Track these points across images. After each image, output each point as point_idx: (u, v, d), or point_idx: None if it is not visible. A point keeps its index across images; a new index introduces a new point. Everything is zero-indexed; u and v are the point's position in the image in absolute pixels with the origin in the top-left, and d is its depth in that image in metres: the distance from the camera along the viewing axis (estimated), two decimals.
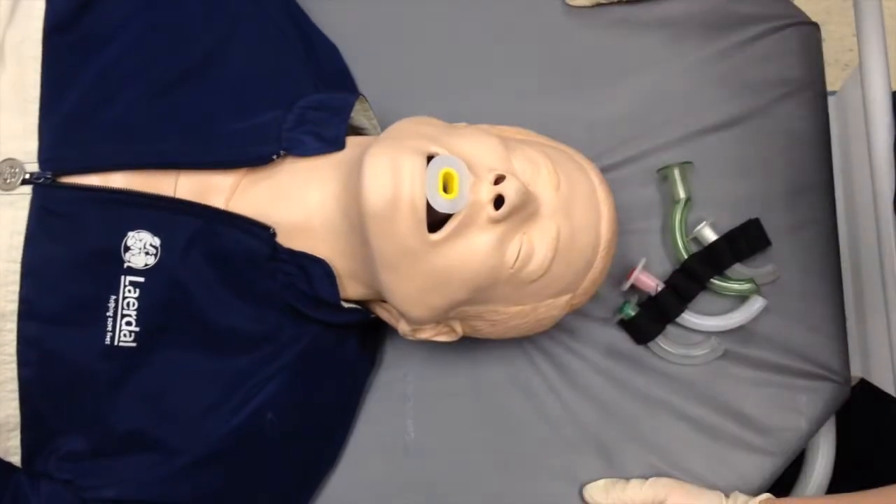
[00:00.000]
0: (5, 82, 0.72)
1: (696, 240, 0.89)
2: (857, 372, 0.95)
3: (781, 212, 0.90)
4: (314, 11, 0.92)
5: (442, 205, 0.66)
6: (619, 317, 0.88)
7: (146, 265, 0.70)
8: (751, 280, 0.87)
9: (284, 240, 0.74)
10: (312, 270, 0.75)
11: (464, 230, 0.68)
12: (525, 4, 0.95)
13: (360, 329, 0.83)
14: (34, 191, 0.69)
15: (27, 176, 0.69)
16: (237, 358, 0.76)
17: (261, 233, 0.74)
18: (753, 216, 0.88)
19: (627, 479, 0.83)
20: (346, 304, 0.78)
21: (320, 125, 0.78)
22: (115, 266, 0.70)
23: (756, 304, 0.86)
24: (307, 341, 0.78)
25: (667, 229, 0.89)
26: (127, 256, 0.70)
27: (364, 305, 0.81)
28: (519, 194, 0.67)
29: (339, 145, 0.76)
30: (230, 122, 0.77)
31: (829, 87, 0.95)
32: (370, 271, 0.72)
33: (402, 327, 0.78)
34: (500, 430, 0.87)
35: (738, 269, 0.88)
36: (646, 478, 0.83)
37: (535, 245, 0.71)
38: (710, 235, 0.88)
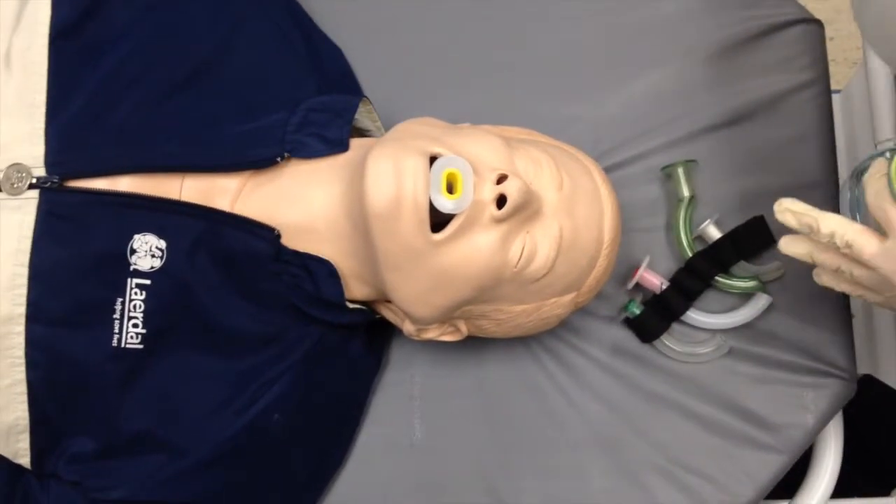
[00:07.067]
0: (11, 88, 0.72)
1: (701, 238, 0.88)
2: (864, 369, 0.95)
3: None
4: (317, 13, 0.93)
5: (445, 205, 0.66)
6: (624, 315, 0.88)
7: (152, 268, 0.71)
8: (756, 277, 0.87)
9: (289, 241, 0.75)
10: (317, 271, 0.75)
11: (467, 230, 0.68)
12: (527, 5, 0.95)
13: (366, 329, 0.83)
14: (41, 195, 0.70)
15: (34, 180, 0.70)
16: (243, 359, 0.76)
17: (265, 234, 0.74)
18: (758, 213, 0.88)
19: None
20: (351, 305, 0.78)
21: (324, 127, 0.78)
22: (121, 269, 0.70)
23: (761, 302, 0.86)
24: (313, 342, 0.79)
25: (671, 227, 0.89)
26: (133, 259, 0.70)
27: (369, 306, 0.82)
28: (521, 193, 0.67)
29: (342, 147, 0.77)
30: (235, 125, 0.77)
31: (838, 86, 0.94)
32: (374, 272, 0.72)
33: (407, 327, 0.78)
34: (506, 428, 0.87)
35: (743, 266, 0.87)
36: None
37: (538, 244, 0.71)
38: (715, 233, 0.87)
